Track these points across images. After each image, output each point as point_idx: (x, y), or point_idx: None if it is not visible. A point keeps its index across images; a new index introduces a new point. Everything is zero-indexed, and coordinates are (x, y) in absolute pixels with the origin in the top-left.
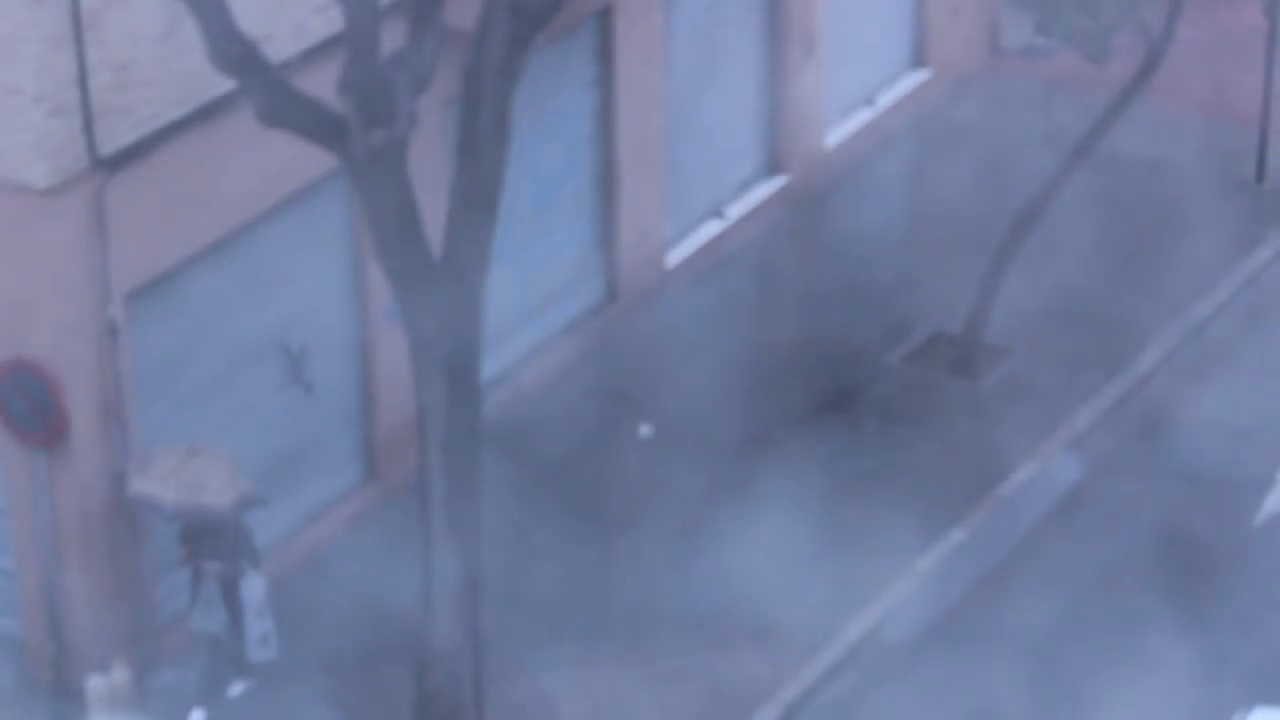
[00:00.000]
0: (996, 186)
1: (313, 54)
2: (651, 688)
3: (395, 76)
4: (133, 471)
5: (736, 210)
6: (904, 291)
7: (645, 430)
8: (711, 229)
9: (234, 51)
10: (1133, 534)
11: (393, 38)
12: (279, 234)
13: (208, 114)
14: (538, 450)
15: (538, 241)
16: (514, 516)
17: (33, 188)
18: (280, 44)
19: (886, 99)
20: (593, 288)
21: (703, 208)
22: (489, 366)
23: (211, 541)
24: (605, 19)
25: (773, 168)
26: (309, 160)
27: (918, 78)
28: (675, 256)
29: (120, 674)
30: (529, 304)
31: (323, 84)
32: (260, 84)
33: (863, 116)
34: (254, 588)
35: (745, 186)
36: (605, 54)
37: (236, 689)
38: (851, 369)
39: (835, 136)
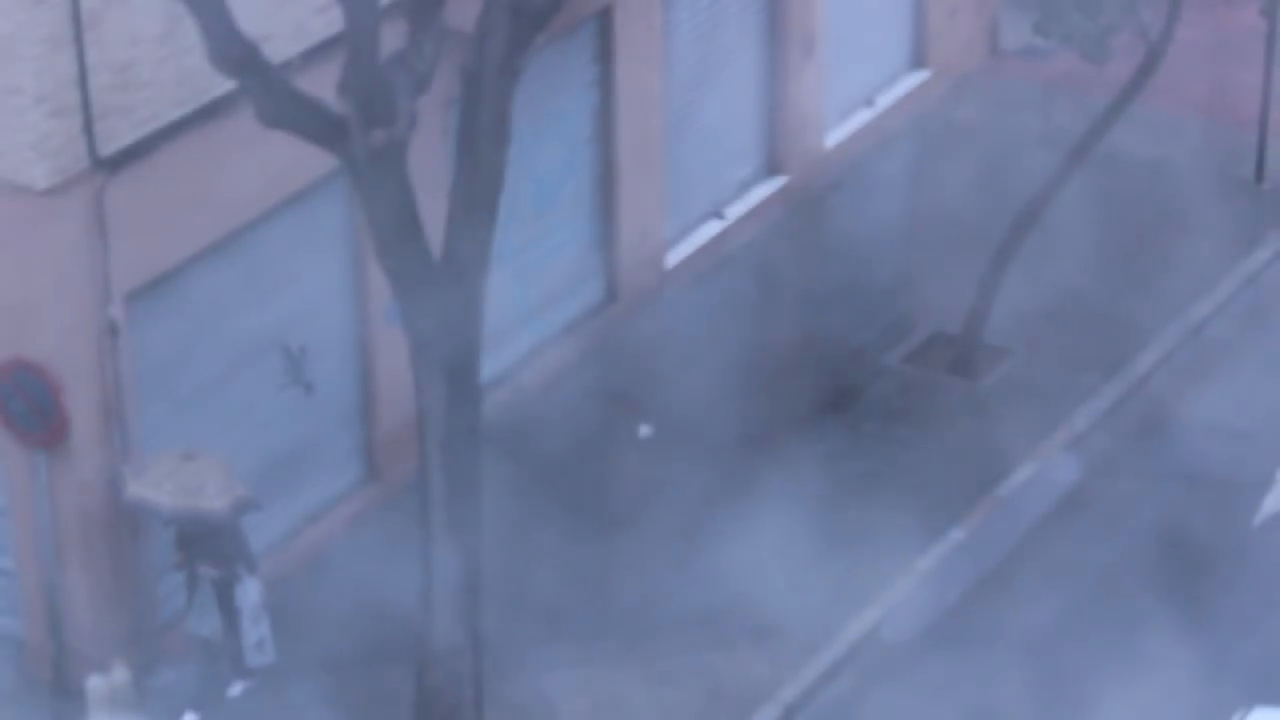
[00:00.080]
0: (996, 187)
1: (313, 54)
2: (651, 687)
3: (395, 77)
4: (129, 476)
5: (736, 210)
6: (903, 291)
7: (645, 430)
8: (711, 229)
9: (234, 52)
10: (1132, 534)
11: (393, 38)
12: (279, 234)
13: (208, 114)
14: (538, 450)
15: (538, 242)
16: (514, 516)
17: (33, 188)
18: (280, 44)
19: (886, 99)
20: (592, 288)
21: (702, 208)
22: (489, 367)
23: (207, 546)
24: (605, 19)
25: (772, 168)
26: (309, 161)
27: (917, 78)
28: (675, 257)
29: (120, 674)
30: (529, 304)
31: (323, 84)
32: (260, 84)
33: (862, 117)
34: (249, 593)
35: (745, 187)
36: (605, 54)
37: (236, 689)
38: (851, 369)
39: (835, 137)
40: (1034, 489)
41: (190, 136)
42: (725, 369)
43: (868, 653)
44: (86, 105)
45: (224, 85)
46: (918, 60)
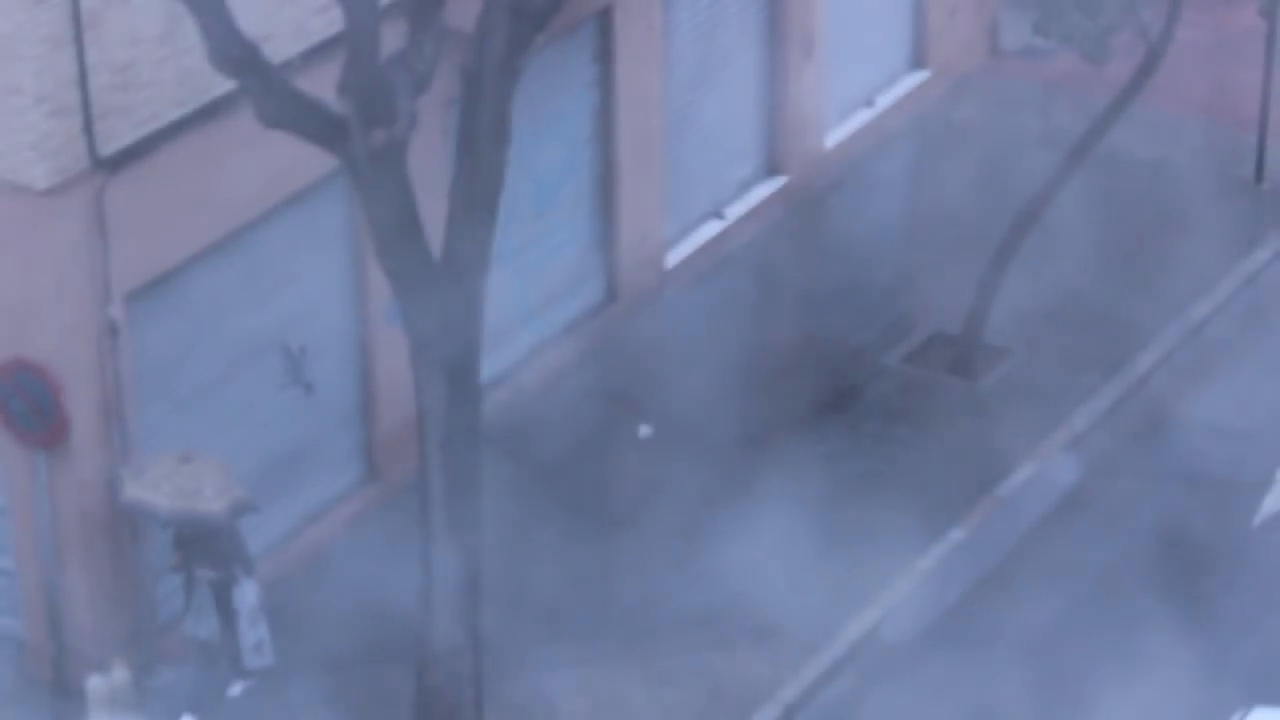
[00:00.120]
0: (996, 187)
1: (313, 54)
2: (651, 687)
3: (395, 77)
4: (126, 478)
5: (736, 211)
6: (903, 292)
7: (645, 430)
8: (711, 229)
9: (234, 52)
10: (1131, 534)
11: (393, 38)
12: (279, 234)
13: (208, 114)
14: (537, 450)
15: (537, 242)
16: (514, 516)
17: (33, 188)
18: (280, 44)
19: (886, 100)
20: (592, 288)
21: (702, 208)
22: (489, 367)
23: (204, 548)
24: (605, 19)
25: (772, 168)
26: (309, 161)
27: (917, 78)
28: (675, 257)
29: (120, 674)
30: (529, 304)
31: (323, 85)
32: (260, 85)
33: (862, 117)
34: (246, 596)
35: (745, 187)
36: (605, 54)
37: (236, 689)
38: (851, 369)
39: (835, 137)
40: (1034, 489)
41: (190, 136)
42: (725, 369)
43: (867, 653)
44: (86, 105)
45: (224, 85)
46: (917, 60)
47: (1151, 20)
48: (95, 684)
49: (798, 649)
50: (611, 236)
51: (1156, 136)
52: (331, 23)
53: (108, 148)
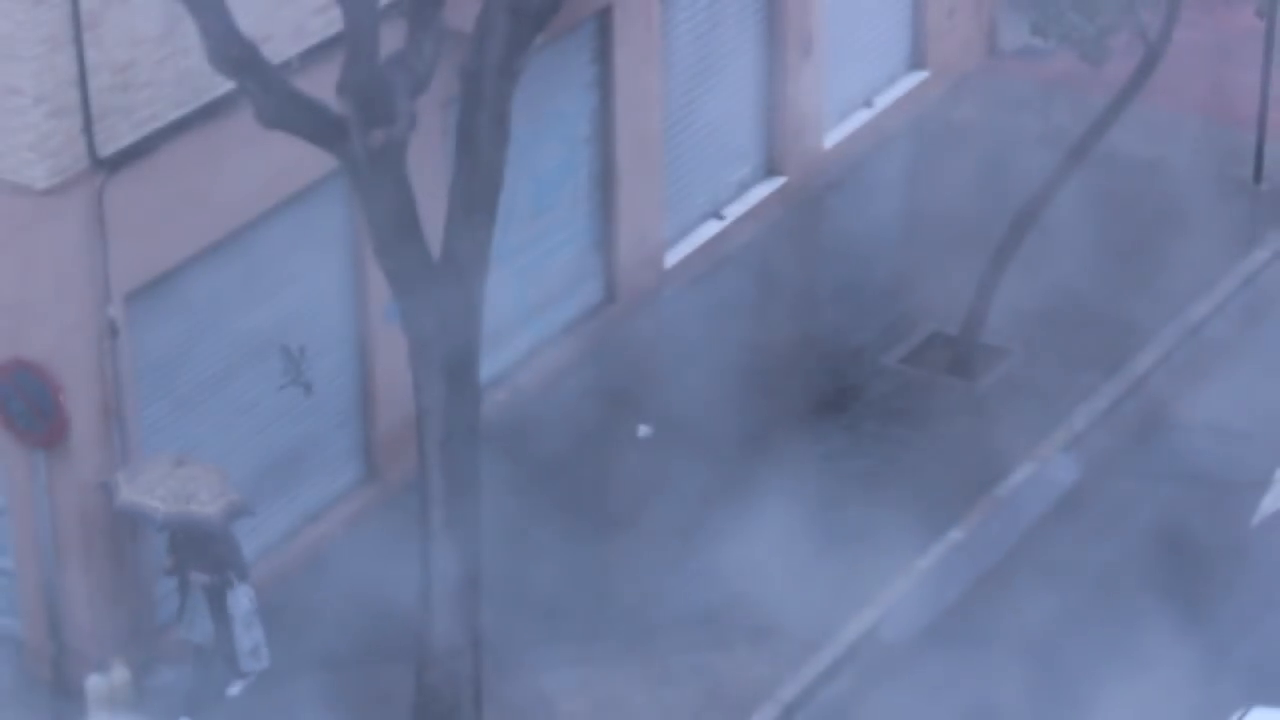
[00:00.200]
0: (994, 187)
1: (312, 55)
2: (650, 687)
3: (394, 77)
4: (121, 482)
5: (735, 211)
6: (902, 292)
7: (644, 430)
8: (710, 229)
9: (233, 52)
10: (1130, 534)
11: (392, 38)
12: (279, 234)
13: (208, 114)
14: (537, 450)
15: (537, 242)
16: (513, 516)
17: (33, 188)
18: (279, 45)
19: (885, 100)
20: (591, 288)
21: (701, 208)
22: (488, 366)
23: (199, 552)
24: (604, 20)
25: (771, 168)
26: (308, 161)
27: (916, 79)
28: (674, 257)
29: (119, 674)
30: (528, 304)
31: (322, 85)
32: (259, 85)
33: (861, 117)
34: (240, 600)
35: (744, 187)
36: (604, 55)
37: (235, 689)
38: (850, 369)
39: (833, 137)
40: (1033, 489)
41: (190, 136)
42: (724, 369)
43: (867, 652)
44: (86, 105)
45: (223, 85)
46: (916, 61)
47: (1150, 20)
48: (95, 683)
49: (797, 648)
50: (610, 236)
51: (1155, 137)
52: (330, 23)
53: (107, 148)
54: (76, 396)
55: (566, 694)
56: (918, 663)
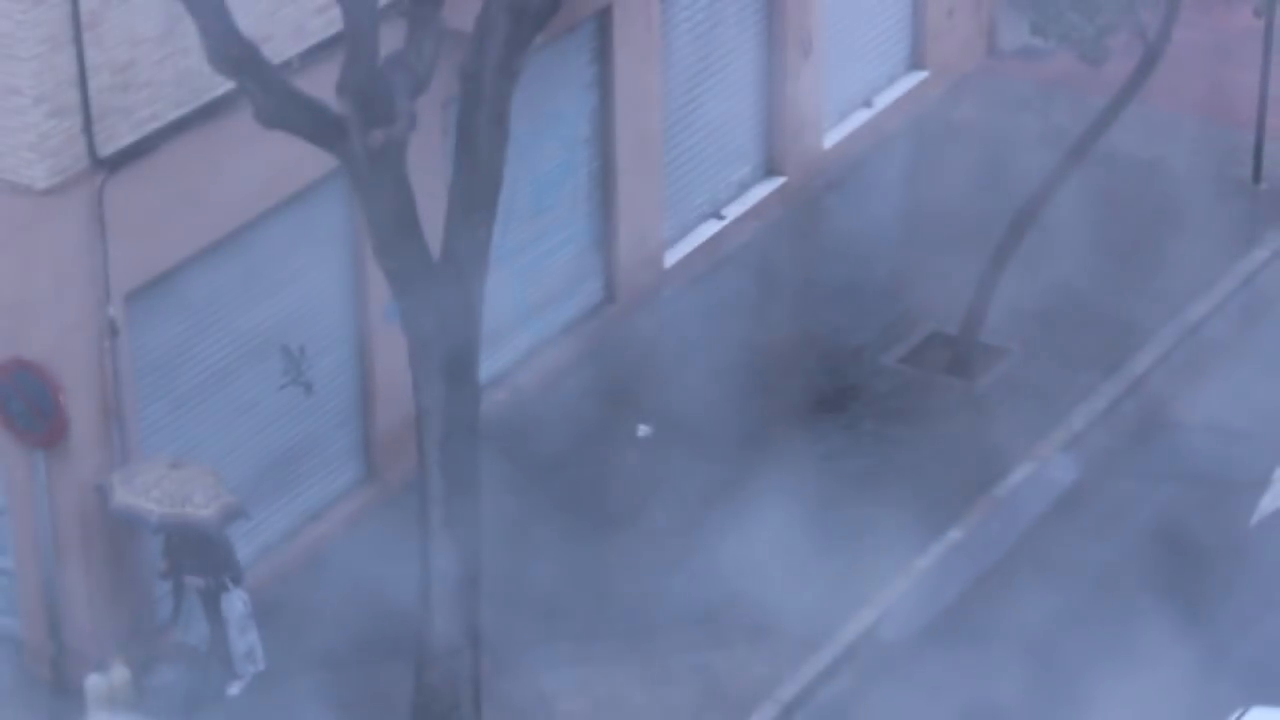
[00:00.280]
0: (994, 187)
1: (312, 55)
2: (649, 686)
3: (394, 77)
4: (116, 484)
5: (735, 210)
6: (901, 291)
7: (643, 430)
8: (710, 229)
9: (233, 52)
10: (1129, 534)
11: (392, 38)
12: (278, 234)
13: (207, 114)
14: (536, 450)
15: (536, 242)
16: (512, 515)
17: (33, 188)
18: (279, 45)
19: (884, 100)
20: (591, 288)
21: (701, 208)
22: (488, 366)
23: (194, 555)
24: (603, 19)
25: (771, 168)
26: (308, 161)
27: (915, 79)
28: (673, 257)
29: (119, 673)
30: (528, 304)
31: (322, 85)
32: (259, 85)
33: (860, 117)
34: (235, 604)
35: (743, 187)
36: (603, 54)
37: (235, 688)
38: (849, 369)
39: (833, 137)
40: (1032, 489)
41: (189, 136)
42: (723, 369)
43: (866, 652)
44: (86, 105)
45: (223, 85)
46: (916, 61)
47: (1149, 20)
48: (94, 683)
49: (796, 648)
50: (610, 236)
51: (1154, 136)
52: (330, 23)
53: (107, 148)
54: (76, 396)
55: (566, 693)
56: (917, 662)
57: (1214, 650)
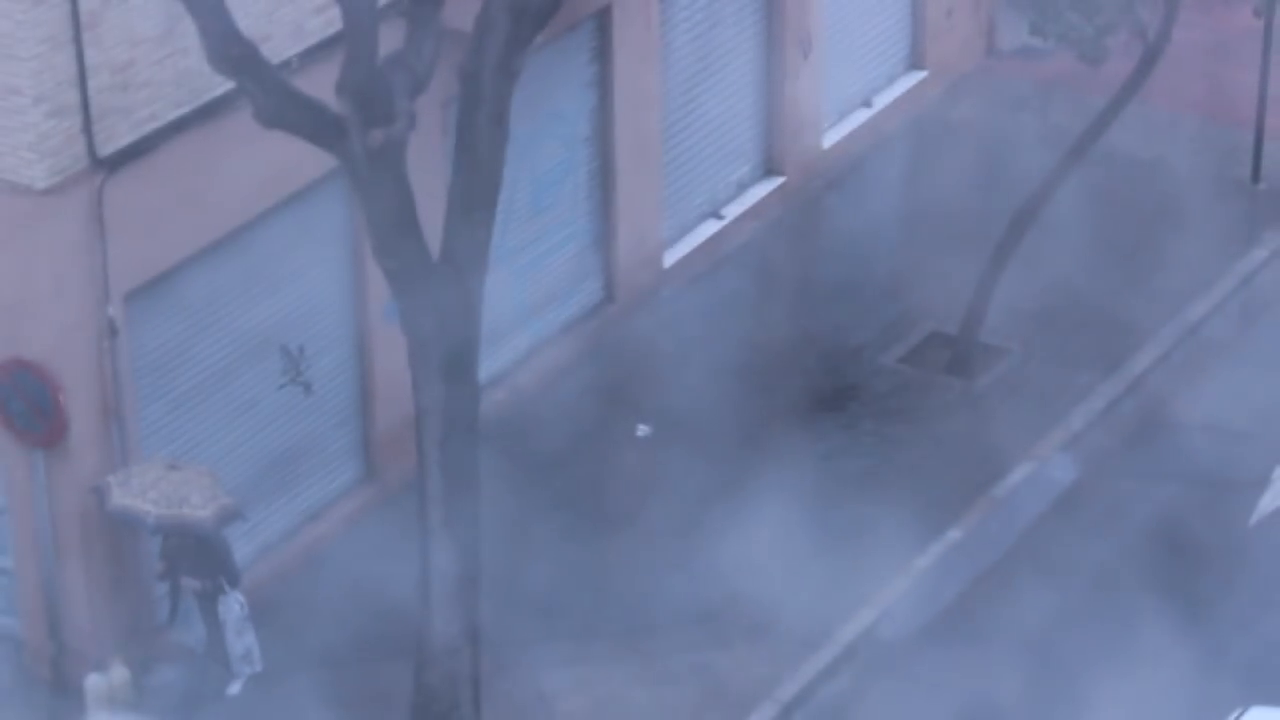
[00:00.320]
0: (993, 187)
1: (311, 54)
2: (648, 685)
3: (393, 77)
4: (113, 485)
5: (734, 210)
6: (900, 291)
7: (643, 429)
8: (709, 229)
9: (233, 52)
10: (1128, 533)
11: (391, 38)
12: (278, 234)
13: (207, 114)
14: (535, 449)
15: (535, 242)
16: (512, 515)
17: (32, 188)
18: (279, 44)
19: (883, 99)
20: (590, 288)
21: (700, 208)
22: (487, 366)
23: (191, 557)
24: (603, 19)
25: (770, 168)
26: (308, 160)
27: (914, 78)
28: (673, 256)
29: (118, 673)
30: (527, 304)
31: (321, 85)
32: (259, 84)
33: (860, 117)
34: (231, 607)
35: (743, 187)
36: (603, 54)
37: (235, 687)
38: (848, 368)
39: (832, 137)
40: (1031, 488)
41: (189, 136)
42: (723, 368)
43: (865, 651)
44: (85, 105)
45: (223, 85)
46: (915, 61)
47: (1148, 20)
48: (94, 682)
49: (796, 647)
50: (609, 236)
51: (1154, 136)
52: (330, 22)
53: (107, 147)
54: (76, 396)
55: (565, 693)
56: (916, 662)
57: (1213, 650)
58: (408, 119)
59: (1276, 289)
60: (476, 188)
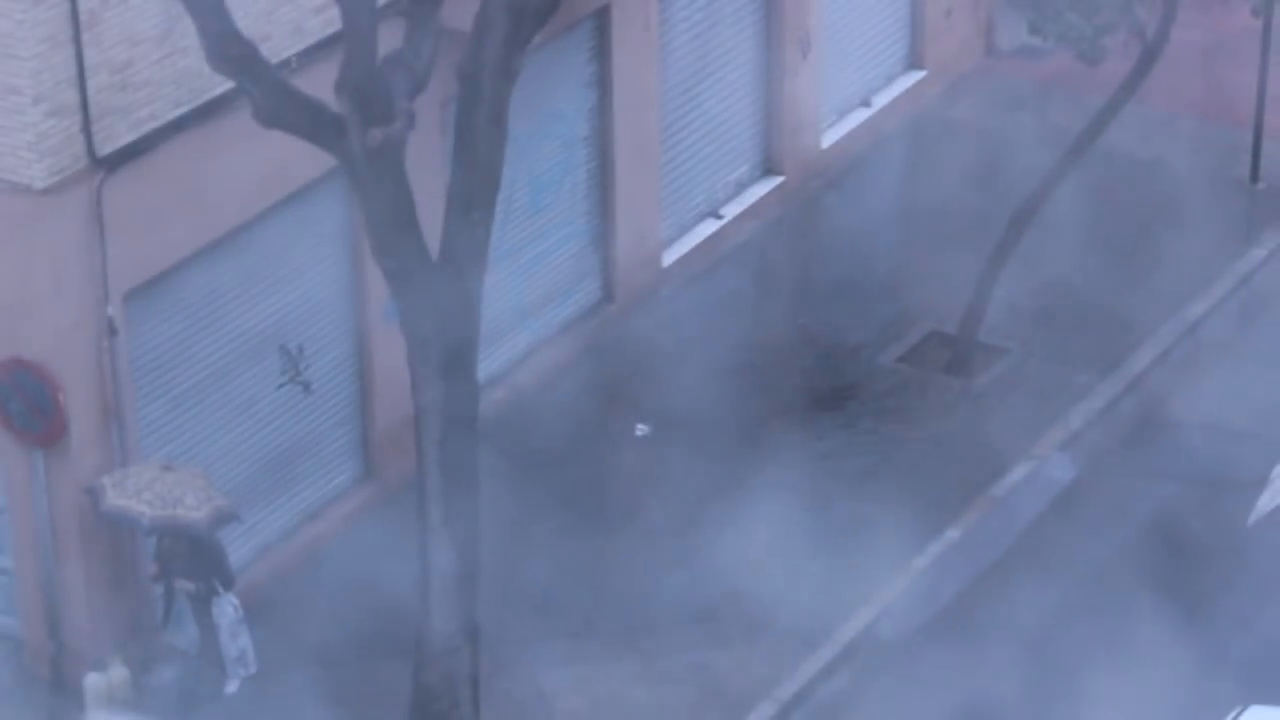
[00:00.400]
0: (992, 186)
1: (310, 54)
2: (648, 684)
3: (392, 76)
4: (108, 486)
5: (733, 210)
6: (899, 291)
7: (642, 429)
8: (708, 229)
9: (232, 52)
10: (1127, 532)
11: (390, 38)
12: (277, 233)
13: (206, 114)
14: (534, 448)
15: (535, 241)
16: (511, 514)
17: (31, 187)
18: (278, 44)
19: (882, 99)
20: (589, 287)
21: (699, 207)
22: (486, 365)
23: (185, 559)
24: (602, 19)
25: (769, 168)
26: (307, 160)
27: (913, 78)
28: (671, 256)
29: (118, 672)
30: (526, 303)
31: (321, 84)
32: (258, 84)
33: (859, 116)
34: (225, 609)
35: (742, 186)
36: (602, 53)
37: (232, 686)
38: (847, 367)
39: (831, 136)
40: (1030, 487)
41: (188, 136)
42: (721, 368)
43: (864, 650)
44: (85, 105)
45: (222, 84)
46: (914, 60)
47: (1147, 20)
48: (93, 682)
49: (795, 646)
50: (608, 235)
51: (1152, 136)
52: (329, 22)
53: (106, 147)
54: (75, 396)
55: (564, 692)
56: (915, 661)
57: (1212, 649)
58: (407, 118)
59: (1275, 288)
60: (475, 187)
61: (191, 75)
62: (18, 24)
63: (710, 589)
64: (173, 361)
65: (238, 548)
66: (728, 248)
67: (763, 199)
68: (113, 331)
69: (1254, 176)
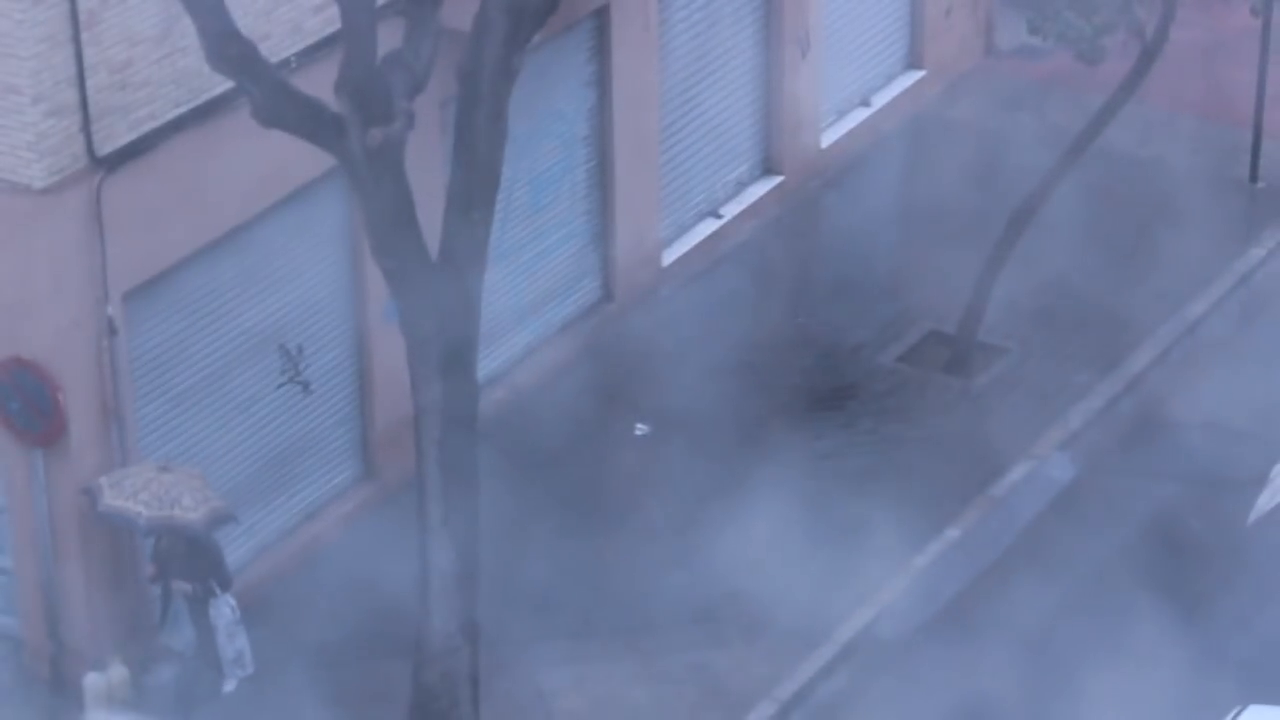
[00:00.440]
0: (991, 186)
1: (310, 54)
2: (647, 684)
3: (392, 76)
4: (104, 487)
5: (732, 209)
6: (899, 290)
7: (641, 428)
8: (707, 228)
9: (231, 51)
10: (1126, 532)
11: (390, 37)
12: (276, 233)
13: (205, 113)
14: (534, 448)
15: (534, 240)
16: (510, 513)
17: (31, 187)
18: (277, 44)
19: (882, 99)
20: (589, 286)
21: (699, 207)
22: (486, 364)
23: (182, 560)
24: (601, 18)
25: (768, 167)
26: (306, 159)
27: (913, 78)
28: (671, 255)
29: (117, 672)
30: (525, 303)
31: (320, 84)
32: (257, 84)
33: (858, 116)
34: (222, 610)
35: (741, 186)
36: (601, 53)
37: (230, 686)
38: (847, 367)
39: (830, 136)
40: (1029, 487)
41: (188, 135)
42: (721, 367)
43: (864, 650)
44: (84, 104)
45: (221, 84)
46: (913, 60)
47: (1146, 19)
48: (93, 681)
49: (794, 645)
50: (608, 235)
51: (1152, 135)
52: (328, 22)
53: (105, 147)
54: (75, 395)
55: (563, 691)
56: (915, 660)
57: (1211, 648)
58: (406, 118)
59: (1275, 288)
60: (475, 187)
61: (191, 75)
62: (17, 23)
63: (710, 589)
64: (172, 361)
65: (237, 547)
66: (727, 247)
67: (762, 198)
68: (112, 331)
69: (1253, 176)
